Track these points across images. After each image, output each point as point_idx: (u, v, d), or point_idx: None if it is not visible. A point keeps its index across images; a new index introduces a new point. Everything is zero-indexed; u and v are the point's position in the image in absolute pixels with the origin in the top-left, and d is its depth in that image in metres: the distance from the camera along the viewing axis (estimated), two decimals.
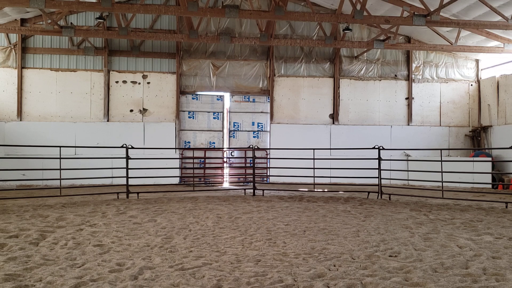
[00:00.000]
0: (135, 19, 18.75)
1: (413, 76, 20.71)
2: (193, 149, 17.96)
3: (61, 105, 18.96)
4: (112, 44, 19.30)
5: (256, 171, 15.82)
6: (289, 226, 8.90)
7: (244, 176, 18.58)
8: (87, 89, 19.14)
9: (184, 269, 5.74)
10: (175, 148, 18.66)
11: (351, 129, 20.15)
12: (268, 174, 18.26)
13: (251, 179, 15.30)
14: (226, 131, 20.04)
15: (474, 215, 10.35)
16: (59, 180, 13.39)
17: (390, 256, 6.51)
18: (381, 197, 13.76)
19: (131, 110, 19.38)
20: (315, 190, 15.10)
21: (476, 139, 20.42)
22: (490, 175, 17.46)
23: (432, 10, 14.21)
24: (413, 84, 20.69)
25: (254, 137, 19.98)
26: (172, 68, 19.60)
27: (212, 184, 18.62)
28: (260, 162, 18.93)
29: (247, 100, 20.05)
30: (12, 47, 18.69)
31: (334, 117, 20.29)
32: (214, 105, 19.90)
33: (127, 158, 13.66)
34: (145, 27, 19.14)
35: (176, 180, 17.83)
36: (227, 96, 20.01)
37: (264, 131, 20.06)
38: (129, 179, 13.58)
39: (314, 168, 14.76)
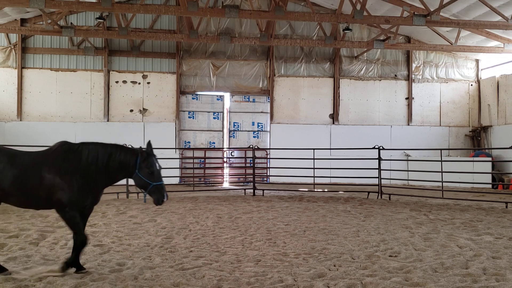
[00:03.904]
0: (135, 19, 18.73)
1: (413, 76, 20.70)
2: (193, 149, 17.95)
3: (61, 105, 18.95)
4: (112, 44, 19.30)
5: (256, 171, 15.81)
6: (289, 226, 8.90)
7: (244, 176, 18.57)
8: (87, 89, 19.13)
9: (184, 269, 5.74)
10: (175, 148, 18.66)
11: (351, 129, 20.15)
12: (268, 174, 18.26)
13: (251, 179, 15.30)
14: (226, 131, 20.03)
15: (474, 215, 10.35)
16: None
17: (390, 256, 6.51)
18: (381, 197, 13.76)
19: (131, 110, 19.37)
20: (315, 190, 15.09)
21: (476, 139, 20.42)
22: (490, 175, 17.45)
23: (432, 10, 14.21)
24: (413, 84, 20.69)
25: (254, 137, 19.98)
26: (172, 68, 19.59)
27: (212, 184, 18.61)
28: (260, 162, 18.92)
29: (247, 100, 20.05)
30: (12, 47, 18.69)
31: (334, 117, 20.29)
32: (214, 105, 19.89)
33: None
34: (145, 27, 19.13)
35: (176, 180, 17.80)
36: (227, 96, 20.01)
37: (264, 131, 20.06)
38: (129, 179, 13.56)
39: (314, 168, 14.76)
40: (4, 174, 5.28)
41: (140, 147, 5.62)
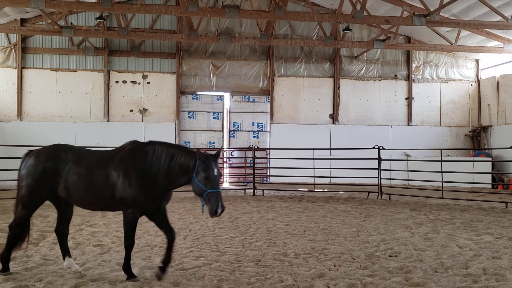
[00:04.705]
0: (135, 19, 18.73)
1: (413, 76, 20.70)
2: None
3: (61, 105, 18.95)
4: (112, 44, 19.29)
5: (256, 171, 15.80)
6: (289, 226, 8.90)
7: (244, 176, 18.57)
8: (87, 89, 19.13)
9: (184, 269, 5.74)
10: None
11: (351, 129, 20.14)
12: (268, 174, 18.25)
13: (251, 179, 15.30)
14: (226, 131, 20.03)
15: (474, 215, 10.34)
16: None
17: (390, 256, 6.51)
18: (381, 197, 13.76)
19: (131, 110, 19.37)
20: (315, 190, 15.09)
21: (476, 139, 20.41)
22: (490, 175, 17.44)
23: (432, 10, 14.21)
24: (413, 84, 20.69)
25: (254, 137, 19.98)
26: (172, 68, 19.59)
27: None
28: (260, 162, 18.91)
29: (247, 100, 20.05)
30: (12, 47, 18.69)
31: (334, 117, 20.28)
32: (214, 105, 19.90)
33: None
34: (145, 27, 19.13)
35: None
36: (227, 96, 20.01)
37: (264, 131, 20.06)
38: None
39: (314, 168, 14.75)
40: (69, 172, 5.24)
41: (198, 149, 5.20)
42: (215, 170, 4.99)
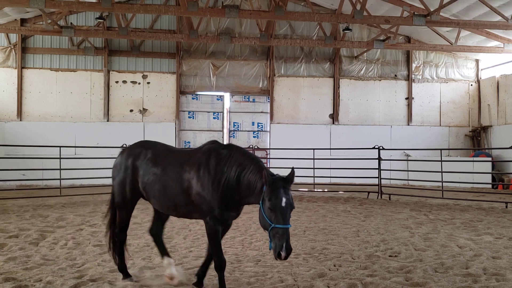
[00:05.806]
0: (135, 19, 18.71)
1: (413, 76, 20.69)
2: None
3: (61, 105, 18.95)
4: (112, 44, 19.29)
5: None
6: None
7: None
8: (87, 89, 19.13)
9: (184, 269, 5.73)
10: None
11: (351, 129, 20.14)
12: None
13: None
14: (226, 131, 20.04)
15: (474, 215, 10.35)
16: (59, 180, 13.39)
17: (390, 256, 6.51)
18: (381, 197, 13.76)
19: (131, 110, 19.37)
20: (315, 190, 15.09)
21: (476, 139, 20.41)
22: (490, 175, 17.44)
23: (432, 10, 14.21)
24: (413, 84, 20.68)
25: (254, 137, 19.98)
26: (172, 68, 19.59)
27: None
28: None
29: (247, 100, 20.05)
30: (12, 47, 18.68)
31: (334, 117, 20.28)
32: (214, 105, 19.89)
33: None
34: (145, 27, 19.13)
35: None
36: (227, 96, 20.01)
37: (264, 131, 20.06)
38: None
39: (314, 168, 14.75)
40: (146, 171, 4.92)
41: (265, 169, 4.16)
42: (284, 200, 3.97)
